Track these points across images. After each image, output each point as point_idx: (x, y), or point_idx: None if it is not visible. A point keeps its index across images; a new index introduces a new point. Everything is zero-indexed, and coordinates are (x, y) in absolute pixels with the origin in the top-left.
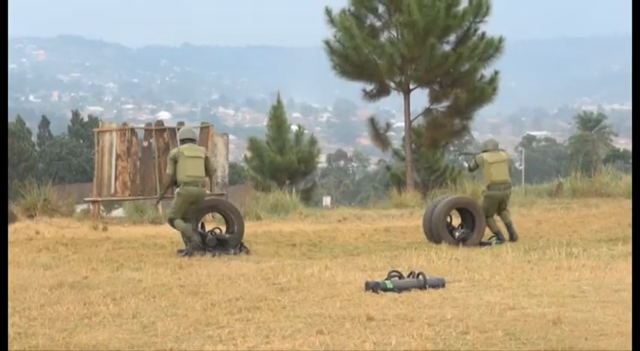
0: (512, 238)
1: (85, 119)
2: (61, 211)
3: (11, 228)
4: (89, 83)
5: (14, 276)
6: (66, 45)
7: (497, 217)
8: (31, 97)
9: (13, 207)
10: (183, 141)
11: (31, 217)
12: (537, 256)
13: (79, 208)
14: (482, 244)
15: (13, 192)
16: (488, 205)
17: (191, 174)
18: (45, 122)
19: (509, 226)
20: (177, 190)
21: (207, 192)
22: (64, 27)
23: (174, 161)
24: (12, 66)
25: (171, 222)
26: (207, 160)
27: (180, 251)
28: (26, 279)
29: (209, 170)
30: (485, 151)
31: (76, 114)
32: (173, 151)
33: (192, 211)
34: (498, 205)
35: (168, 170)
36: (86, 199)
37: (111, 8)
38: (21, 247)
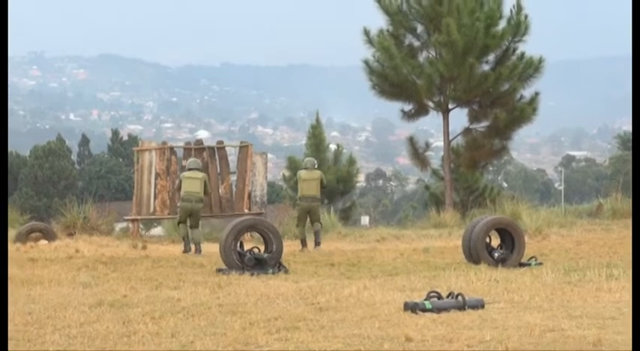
0: (316, 244)
1: (125, 138)
2: (100, 229)
3: (51, 246)
4: (129, 102)
5: (54, 294)
6: (106, 64)
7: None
8: (72, 116)
9: (53, 225)
10: (190, 169)
11: (70, 235)
12: (577, 277)
13: (118, 226)
14: (521, 265)
15: (53, 210)
16: (298, 213)
17: (188, 190)
18: (85, 141)
19: (316, 234)
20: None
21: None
22: (105, 46)
23: (180, 182)
24: (53, 85)
25: (178, 224)
26: (205, 182)
27: (220, 270)
28: (66, 297)
29: (207, 190)
30: (304, 169)
31: (115, 133)
32: (181, 175)
33: (192, 219)
34: (308, 216)
35: (176, 186)
36: (125, 217)
37: (151, 28)
38: (61, 265)
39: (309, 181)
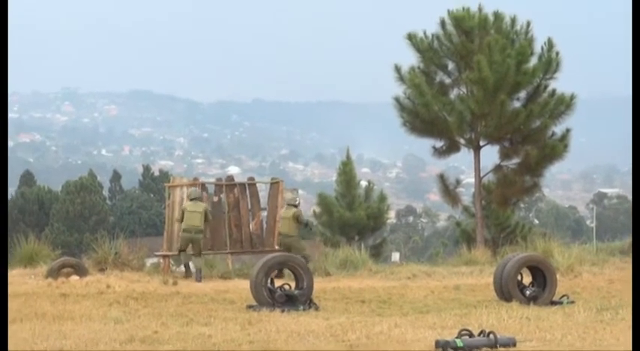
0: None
1: (156, 173)
2: (131, 264)
3: (83, 281)
4: (160, 138)
5: (85, 329)
6: (137, 100)
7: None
8: (103, 152)
9: (84, 260)
10: (192, 199)
11: (102, 270)
12: (610, 315)
13: (149, 262)
14: (553, 303)
15: (84, 245)
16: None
17: (189, 224)
18: (116, 176)
19: None
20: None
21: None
22: (136, 82)
23: (182, 212)
24: (85, 120)
25: (179, 252)
26: (205, 213)
27: (250, 307)
28: (97, 333)
29: (207, 219)
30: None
31: (146, 168)
32: (183, 206)
33: (192, 246)
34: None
35: (177, 217)
36: (156, 253)
37: (182, 63)
38: (92, 300)
39: (284, 219)
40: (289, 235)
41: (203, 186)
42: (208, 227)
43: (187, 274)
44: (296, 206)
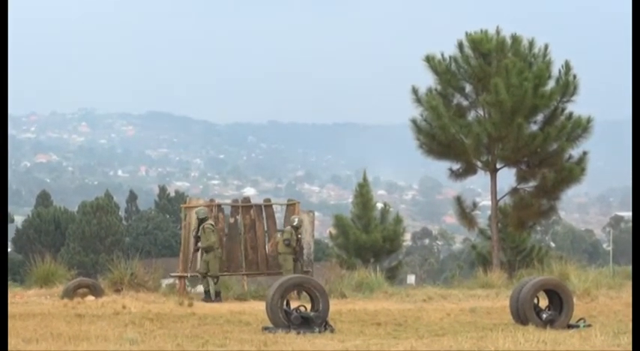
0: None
1: (172, 194)
2: (147, 285)
3: (98, 302)
4: (176, 159)
5: (101, 350)
6: (155, 121)
7: None
8: (120, 172)
9: (100, 281)
10: (205, 219)
11: (117, 291)
12: (627, 340)
13: (165, 282)
14: (570, 326)
15: (100, 266)
16: None
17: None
18: (132, 197)
19: None
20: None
21: None
22: (153, 103)
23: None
24: (102, 141)
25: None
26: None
27: (266, 328)
28: None
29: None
30: None
31: (162, 189)
32: (210, 225)
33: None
34: None
35: (215, 239)
36: (172, 274)
37: (199, 85)
38: (108, 321)
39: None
40: (279, 253)
41: (219, 207)
42: (224, 248)
43: (207, 297)
44: (293, 226)
